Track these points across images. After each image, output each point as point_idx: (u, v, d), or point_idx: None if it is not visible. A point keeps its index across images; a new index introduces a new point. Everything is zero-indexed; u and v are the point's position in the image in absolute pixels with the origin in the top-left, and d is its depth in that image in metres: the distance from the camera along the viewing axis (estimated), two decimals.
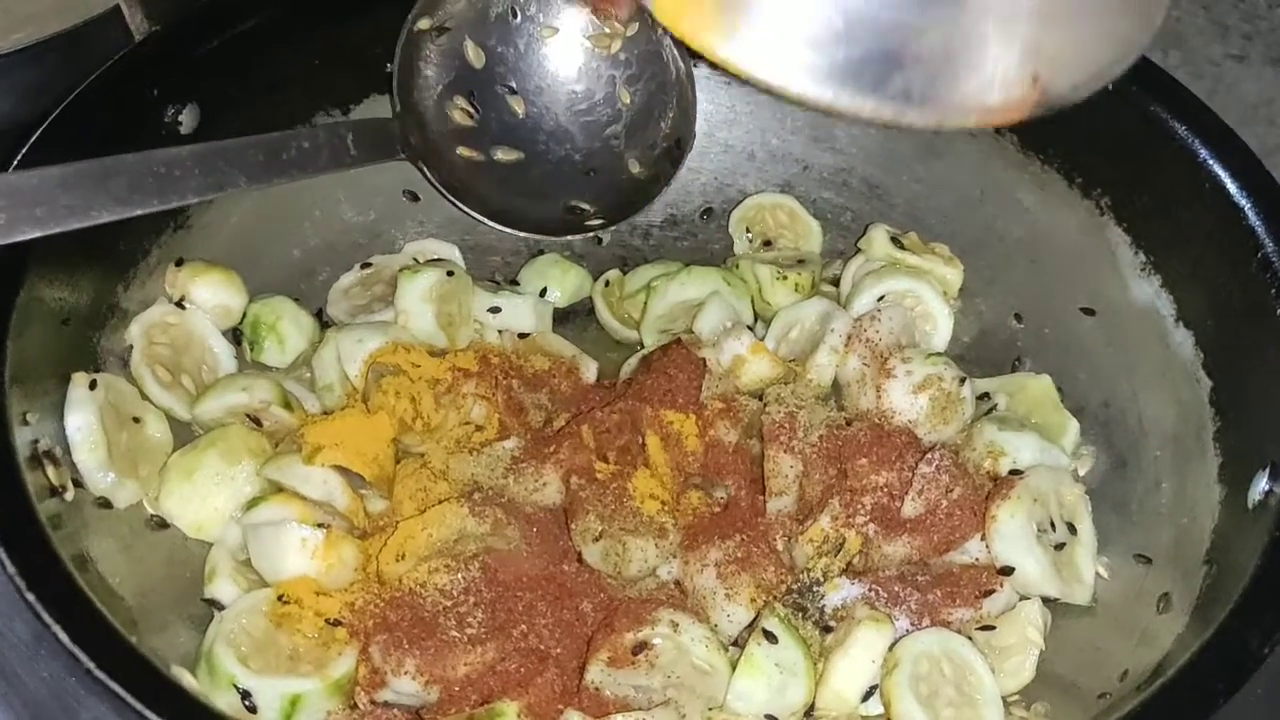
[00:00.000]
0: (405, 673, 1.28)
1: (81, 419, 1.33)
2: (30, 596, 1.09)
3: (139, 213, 1.23)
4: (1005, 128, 1.64)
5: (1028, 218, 1.66)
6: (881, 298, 1.64)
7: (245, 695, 1.23)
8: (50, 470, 1.26)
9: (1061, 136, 1.61)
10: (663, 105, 1.60)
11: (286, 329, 1.58)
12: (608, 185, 1.61)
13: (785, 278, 1.68)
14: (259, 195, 1.63)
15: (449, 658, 1.28)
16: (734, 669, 1.31)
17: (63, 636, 1.07)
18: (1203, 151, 1.47)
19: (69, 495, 1.28)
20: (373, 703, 1.29)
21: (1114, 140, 1.55)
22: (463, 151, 1.57)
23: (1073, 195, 1.61)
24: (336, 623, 1.31)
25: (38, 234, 1.14)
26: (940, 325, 1.65)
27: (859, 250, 1.73)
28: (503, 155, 1.59)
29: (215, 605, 1.34)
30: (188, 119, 1.52)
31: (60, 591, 1.12)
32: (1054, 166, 1.62)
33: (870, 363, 1.56)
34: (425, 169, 1.55)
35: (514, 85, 1.58)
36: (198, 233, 1.58)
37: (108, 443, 1.34)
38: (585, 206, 1.60)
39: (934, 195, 1.74)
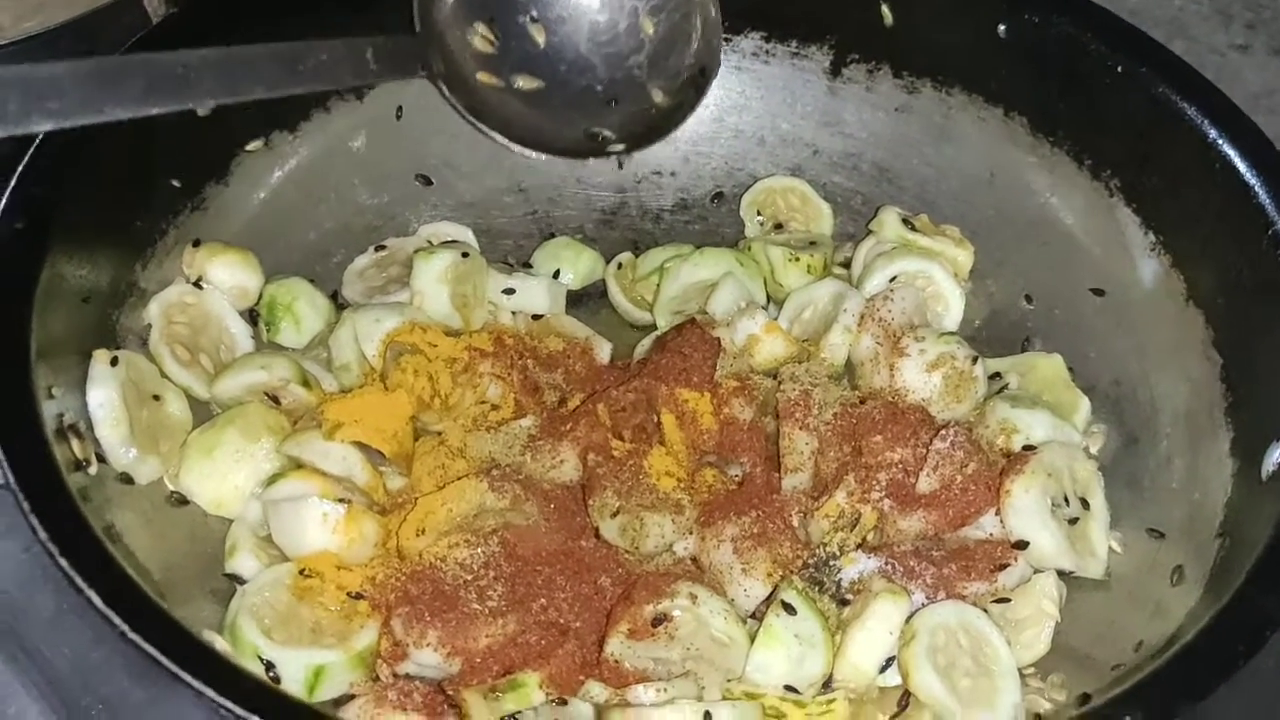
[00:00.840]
0: (427, 644, 1.29)
1: (104, 395, 1.33)
2: (63, 562, 1.09)
3: (155, 112, 1.18)
4: (1015, 111, 1.66)
5: (1038, 199, 1.68)
6: (893, 278, 1.65)
7: (269, 666, 1.24)
8: (75, 444, 1.27)
9: (1071, 119, 1.63)
10: (686, 35, 1.56)
11: (303, 309, 1.59)
12: (630, 114, 1.58)
13: (798, 259, 1.69)
14: (275, 179, 1.66)
15: (470, 630, 1.29)
16: (753, 641, 1.32)
17: (96, 601, 1.08)
18: (1212, 131, 1.48)
19: (93, 469, 1.29)
20: (395, 675, 1.30)
21: (1123, 122, 1.57)
22: (483, 77, 1.53)
23: (1082, 177, 1.63)
24: (358, 596, 1.32)
25: (50, 126, 1.08)
26: (952, 305, 1.67)
27: (870, 232, 1.74)
28: (523, 83, 1.55)
29: (237, 580, 1.35)
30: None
31: (92, 558, 1.13)
32: (1063, 148, 1.64)
33: (883, 342, 1.57)
34: (446, 90, 1.51)
35: (535, 14, 1.55)
36: (214, 214, 1.59)
37: (129, 419, 1.35)
38: (608, 134, 1.56)
39: (944, 178, 1.75)
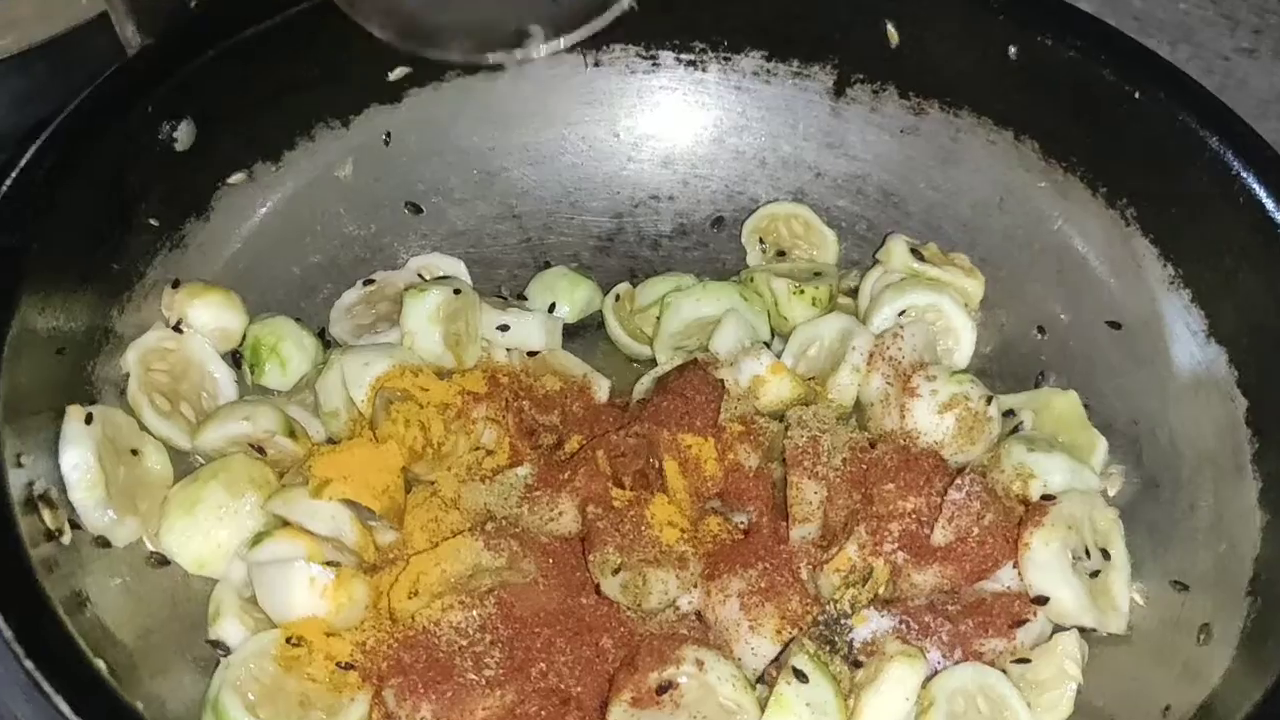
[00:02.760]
0: (421, 718, 1.23)
1: (78, 456, 1.27)
2: (29, 664, 1.03)
3: None
4: (1026, 134, 1.60)
5: (1050, 227, 1.62)
6: (902, 312, 1.59)
7: None
8: (47, 514, 1.21)
9: (1084, 144, 1.57)
10: None
11: (288, 351, 1.53)
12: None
13: (802, 291, 1.63)
14: (259, 213, 1.60)
15: (466, 702, 1.24)
16: (762, 708, 1.27)
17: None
18: (1236, 163, 1.43)
19: (66, 538, 1.23)
20: None
21: (1140, 149, 1.51)
22: None
23: (1097, 204, 1.57)
24: (348, 666, 1.26)
25: None
26: (963, 340, 1.61)
27: (877, 262, 1.68)
28: None
29: (220, 647, 1.29)
30: (183, 135, 1.48)
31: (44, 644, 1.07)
32: (1077, 174, 1.58)
33: (894, 381, 1.51)
34: None
35: None
36: (194, 252, 1.53)
37: (105, 479, 1.29)
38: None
39: (952, 203, 1.69)
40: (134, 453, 1.36)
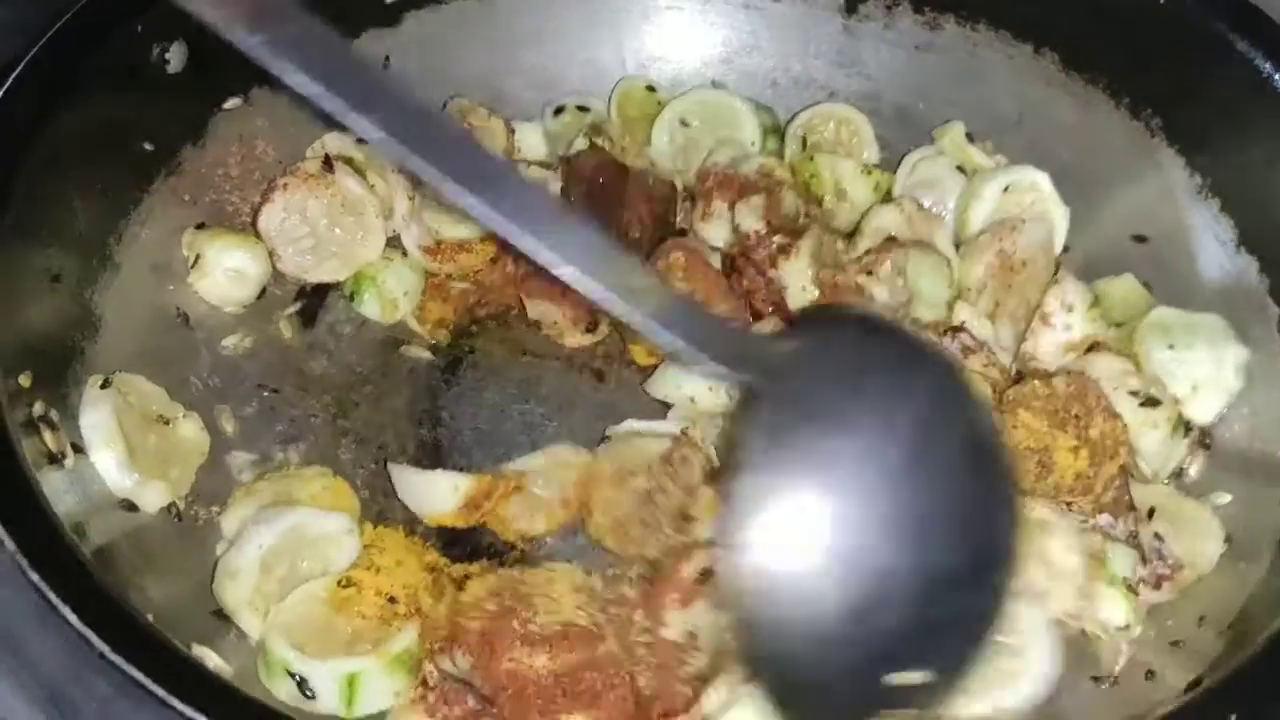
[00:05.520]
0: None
1: (96, 417, 1.25)
2: (34, 575, 0.99)
3: None
4: (1046, 47, 1.56)
5: (1071, 141, 1.57)
6: (1006, 188, 1.53)
7: (302, 682, 1.15)
8: (48, 435, 1.18)
9: (1106, 53, 1.53)
10: None
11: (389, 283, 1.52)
12: None
13: (869, 172, 1.59)
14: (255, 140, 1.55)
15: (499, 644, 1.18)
16: None
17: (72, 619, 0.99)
18: (1267, 66, 1.39)
19: (69, 461, 1.20)
20: (443, 676, 1.19)
21: (1166, 56, 1.47)
22: None
23: (1120, 115, 1.53)
24: (393, 599, 1.23)
25: None
26: (1059, 225, 1.54)
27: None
28: None
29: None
30: (175, 58, 1.42)
31: (65, 567, 1.03)
32: (1099, 86, 1.54)
33: (996, 275, 1.46)
34: None
35: None
36: (190, 179, 1.48)
37: (127, 442, 1.25)
38: None
39: (970, 120, 1.64)
40: (165, 422, 1.33)
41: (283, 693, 1.16)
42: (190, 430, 1.35)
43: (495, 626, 1.18)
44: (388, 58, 1.62)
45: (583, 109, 1.67)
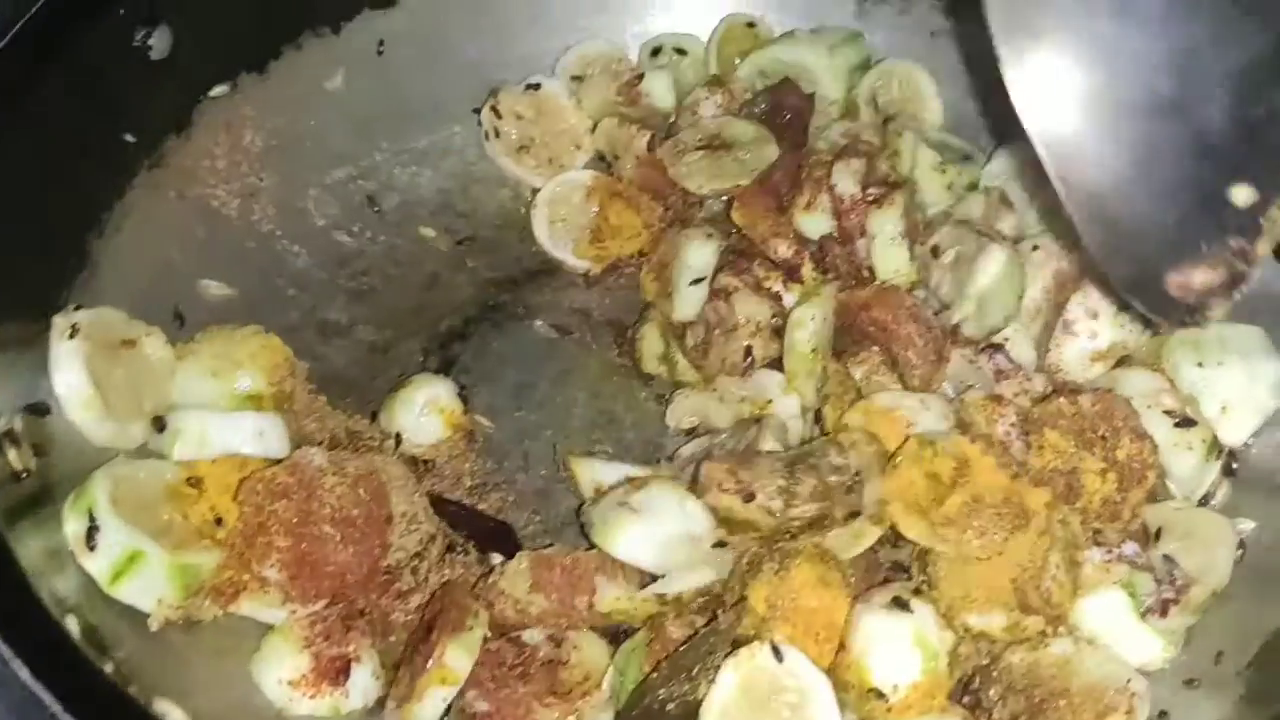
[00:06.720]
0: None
1: (70, 375, 1.21)
2: None
3: None
4: None
5: None
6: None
7: (92, 530, 1.13)
8: (13, 453, 1.14)
9: None
10: None
11: None
12: None
13: (944, 171, 1.52)
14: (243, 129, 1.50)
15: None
16: None
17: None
18: None
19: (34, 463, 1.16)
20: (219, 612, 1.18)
21: None
22: None
23: None
24: (220, 521, 1.21)
25: None
26: None
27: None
28: None
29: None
30: (159, 42, 1.37)
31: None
32: None
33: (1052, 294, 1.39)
34: None
35: None
36: (175, 172, 1.43)
37: (100, 391, 1.22)
38: None
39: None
40: (129, 345, 1.28)
41: (69, 529, 1.13)
42: (154, 347, 1.30)
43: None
44: (381, 42, 1.56)
45: (680, 51, 1.66)
